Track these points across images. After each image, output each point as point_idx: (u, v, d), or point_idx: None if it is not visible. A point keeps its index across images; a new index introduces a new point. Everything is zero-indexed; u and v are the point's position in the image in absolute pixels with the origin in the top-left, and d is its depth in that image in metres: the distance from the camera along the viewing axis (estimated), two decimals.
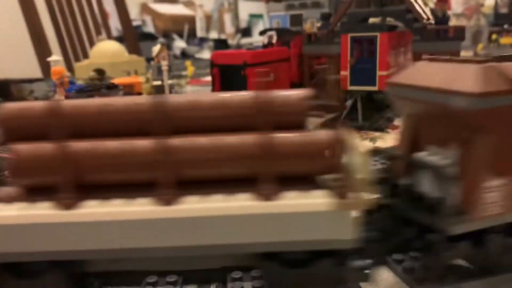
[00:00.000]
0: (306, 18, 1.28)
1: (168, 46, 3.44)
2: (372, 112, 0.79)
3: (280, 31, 0.90)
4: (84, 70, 1.16)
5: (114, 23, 2.97)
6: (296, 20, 1.35)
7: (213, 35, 3.48)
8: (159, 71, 0.83)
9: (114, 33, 3.00)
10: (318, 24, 1.00)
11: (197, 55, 3.38)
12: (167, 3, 3.60)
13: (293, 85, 0.92)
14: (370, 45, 0.76)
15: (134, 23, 3.28)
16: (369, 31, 0.75)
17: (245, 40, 3.73)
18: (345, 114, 0.75)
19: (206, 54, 3.33)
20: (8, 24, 2.37)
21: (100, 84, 0.68)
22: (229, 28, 3.73)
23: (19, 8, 2.13)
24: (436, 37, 0.77)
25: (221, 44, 3.41)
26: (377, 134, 0.69)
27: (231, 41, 3.58)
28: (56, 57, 0.76)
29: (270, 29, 0.91)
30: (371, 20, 0.86)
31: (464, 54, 1.89)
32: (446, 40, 0.76)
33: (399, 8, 0.79)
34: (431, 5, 3.34)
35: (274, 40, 0.87)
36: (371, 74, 0.76)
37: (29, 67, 2.14)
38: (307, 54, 0.88)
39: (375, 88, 0.77)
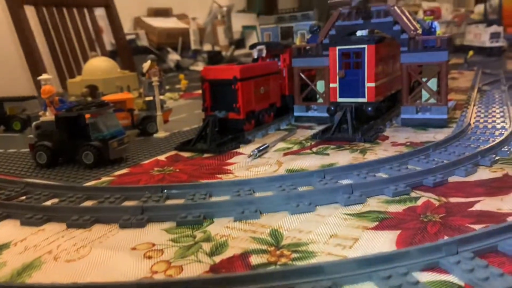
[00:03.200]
0: (296, 30, 1.29)
1: (162, 60, 3.45)
2: (362, 123, 0.80)
3: (269, 45, 0.91)
4: (76, 87, 1.16)
5: (108, 37, 2.98)
6: (287, 32, 1.37)
7: (207, 47, 3.50)
8: (150, 86, 0.84)
9: (108, 47, 3.02)
10: (308, 37, 1.01)
11: (192, 67, 3.40)
12: (160, 17, 3.62)
13: (284, 98, 0.92)
14: (358, 57, 0.77)
15: (128, 37, 3.30)
16: (356, 43, 0.76)
17: (239, 52, 3.76)
18: (335, 126, 0.76)
19: (200, 67, 3.34)
20: (2, 42, 2.38)
21: (90, 102, 0.69)
22: (223, 40, 3.74)
23: (13, 25, 2.14)
24: (423, 48, 0.78)
25: (215, 56, 3.43)
26: (367, 145, 0.69)
27: (225, 53, 3.59)
28: (46, 76, 0.77)
29: (260, 43, 0.91)
30: (359, 32, 0.86)
31: (455, 61, 1.90)
32: (433, 51, 0.77)
33: (386, 20, 0.80)
34: (421, 14, 3.38)
35: (264, 54, 0.88)
36: (359, 86, 0.77)
37: (23, 84, 2.15)
38: (297, 67, 0.89)
39: (364, 100, 0.77)
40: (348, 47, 0.77)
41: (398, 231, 0.40)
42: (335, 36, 0.83)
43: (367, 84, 0.76)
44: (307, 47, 0.88)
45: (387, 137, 0.74)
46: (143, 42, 3.42)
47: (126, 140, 0.69)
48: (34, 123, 0.69)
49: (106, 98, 0.85)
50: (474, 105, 0.90)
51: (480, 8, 3.36)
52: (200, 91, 1.38)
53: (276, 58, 0.92)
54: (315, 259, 0.36)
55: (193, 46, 3.57)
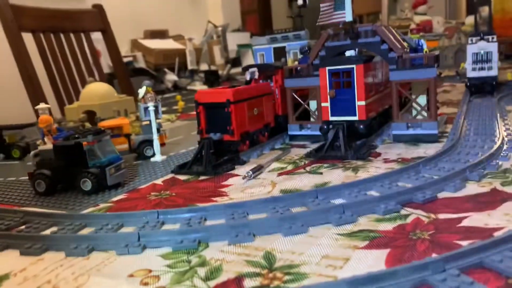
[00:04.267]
0: (289, 50, 1.31)
1: (159, 80, 3.48)
2: (355, 140, 0.81)
3: (261, 67, 0.93)
4: (74, 113, 1.18)
5: (106, 60, 3.02)
6: (280, 52, 1.39)
7: (204, 67, 3.54)
8: (146, 111, 0.85)
9: (106, 70, 3.05)
10: (300, 56, 1.04)
11: (189, 87, 3.43)
12: (157, 39, 3.67)
13: (277, 118, 0.94)
14: (348, 77, 0.78)
15: (126, 60, 3.34)
16: (345, 64, 0.78)
17: (235, 70, 3.79)
18: (328, 144, 0.77)
19: (197, 86, 3.38)
20: (2, 68, 2.40)
21: (87, 129, 0.70)
22: (219, 59, 3.79)
23: (11, 51, 2.16)
24: (411, 66, 0.80)
25: (211, 75, 3.46)
26: (359, 163, 0.71)
27: (221, 72, 3.63)
28: (43, 105, 0.78)
29: (252, 66, 0.93)
30: (348, 52, 0.88)
31: (447, 73, 1.93)
32: (421, 68, 0.79)
33: (374, 40, 0.82)
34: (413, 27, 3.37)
35: (256, 76, 0.90)
36: (350, 104, 0.79)
37: (23, 111, 2.17)
38: (289, 87, 0.91)
39: (356, 118, 0.79)
40: (338, 67, 0.79)
41: (388, 250, 0.41)
42: (325, 57, 0.85)
43: (358, 103, 0.78)
44: (298, 68, 0.89)
45: (379, 154, 0.76)
46: (141, 63, 3.46)
47: (123, 166, 0.70)
48: (32, 152, 0.70)
49: (103, 124, 0.86)
50: (464, 119, 0.92)
51: (471, 19, 3.40)
52: None
53: (268, 79, 0.94)
54: (307, 281, 0.37)
55: (189, 66, 3.61)
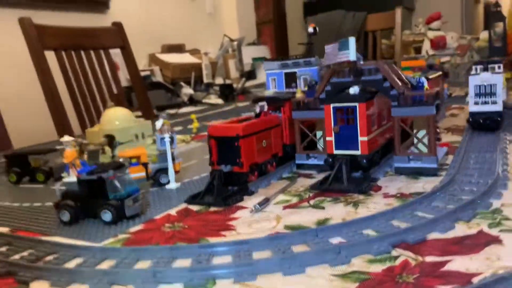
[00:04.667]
0: (299, 75, 1.36)
1: (176, 94, 3.56)
2: (358, 171, 0.86)
3: (270, 100, 0.98)
4: (95, 136, 1.25)
5: (124, 74, 3.12)
6: (291, 77, 1.45)
7: (219, 80, 3.61)
8: (163, 141, 0.91)
9: (124, 83, 3.15)
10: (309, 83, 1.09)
11: (204, 100, 3.50)
12: (174, 53, 3.76)
13: (285, 147, 0.99)
14: (351, 114, 0.83)
15: (143, 73, 3.43)
16: (348, 101, 0.83)
17: (249, 83, 3.86)
18: (332, 176, 0.82)
19: (212, 100, 3.45)
20: (26, 87, 2.50)
21: (108, 164, 0.76)
22: (234, 73, 3.86)
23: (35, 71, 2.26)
24: (412, 103, 0.84)
25: (226, 88, 3.53)
26: (361, 197, 0.75)
27: (236, 85, 3.69)
28: (67, 138, 0.85)
29: (261, 99, 0.99)
30: (352, 89, 0.93)
31: (458, 92, 1.95)
32: (421, 105, 0.84)
33: (376, 77, 0.87)
34: (428, 44, 3.41)
35: (265, 109, 0.95)
36: (353, 139, 0.84)
37: (47, 128, 2.26)
38: (297, 118, 0.96)
39: (358, 152, 0.84)
40: (341, 104, 0.83)
41: None
42: (330, 92, 0.90)
43: (360, 138, 0.83)
44: (306, 101, 0.95)
45: (380, 188, 0.80)
46: (158, 77, 3.54)
47: (140, 197, 0.76)
48: (57, 184, 0.76)
49: (123, 154, 0.92)
50: (465, 151, 0.95)
51: (485, 34, 3.41)
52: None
53: (277, 110, 0.99)
54: None
55: (205, 80, 3.68)
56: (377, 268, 0.51)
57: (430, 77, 1.35)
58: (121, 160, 0.88)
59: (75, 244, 0.65)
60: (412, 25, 4.61)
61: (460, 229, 0.59)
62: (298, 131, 0.97)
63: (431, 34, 3.59)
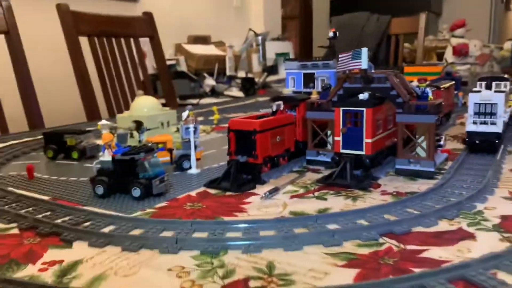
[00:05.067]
0: (317, 77, 1.45)
1: (198, 84, 3.65)
2: (361, 169, 0.94)
3: (287, 99, 1.07)
4: (125, 121, 1.35)
5: (151, 61, 3.24)
6: (309, 78, 1.53)
7: (241, 74, 3.70)
8: (187, 131, 1.01)
9: (150, 70, 3.27)
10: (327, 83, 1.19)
11: (226, 92, 3.60)
12: (199, 44, 3.86)
13: (298, 143, 1.08)
14: (358, 117, 0.92)
15: (169, 62, 3.55)
16: (357, 106, 0.92)
17: (271, 78, 3.94)
18: (337, 173, 0.91)
19: (234, 92, 3.54)
20: (59, 70, 2.63)
21: (140, 147, 0.86)
22: (257, 67, 3.94)
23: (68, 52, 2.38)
24: (415, 111, 0.92)
25: (248, 82, 3.61)
26: (360, 193, 0.84)
27: (258, 79, 3.77)
28: (104, 122, 0.96)
29: (279, 98, 1.07)
30: (361, 95, 1.01)
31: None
32: (423, 113, 0.92)
33: (385, 85, 0.95)
34: (450, 50, 3.42)
35: (281, 108, 1.04)
36: (359, 140, 0.92)
37: (75, 111, 2.39)
38: (310, 118, 1.05)
39: (363, 153, 0.92)
40: (350, 108, 0.92)
41: (359, 270, 0.55)
42: (342, 96, 0.99)
43: (365, 140, 0.91)
44: (319, 103, 1.03)
45: (379, 185, 0.89)
46: (182, 67, 3.65)
47: (166, 179, 0.86)
48: (94, 162, 0.87)
49: (151, 139, 1.03)
50: (464, 159, 1.03)
51: (508, 45, 3.42)
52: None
53: (293, 109, 1.08)
54: (295, 286, 0.51)
55: (228, 72, 3.78)
56: (364, 251, 0.60)
57: (442, 86, 1.42)
58: (150, 144, 1.00)
59: (109, 213, 0.75)
60: (438, 30, 4.62)
61: (442, 226, 0.68)
62: (311, 130, 1.06)
63: (454, 41, 3.62)
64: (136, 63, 2.67)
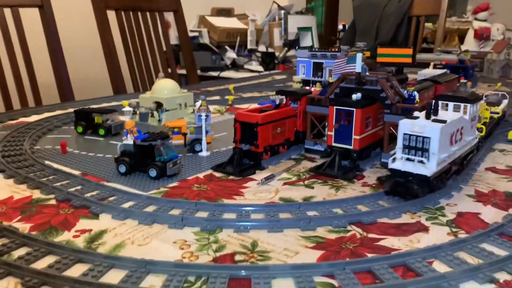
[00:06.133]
0: (325, 67, 1.56)
1: (220, 57, 3.75)
2: (349, 161, 1.07)
3: (289, 93, 1.19)
4: (147, 101, 1.50)
5: (174, 32, 3.35)
6: (318, 67, 1.65)
7: (262, 48, 3.77)
8: (200, 118, 1.15)
9: (174, 41, 3.39)
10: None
11: (246, 66, 3.69)
12: (222, 17, 3.94)
13: (298, 133, 1.21)
14: (349, 116, 1.04)
15: (192, 34, 3.65)
16: (348, 106, 1.03)
17: (291, 53, 4.01)
18: (327, 163, 1.04)
19: (254, 66, 3.64)
20: (88, 41, 2.77)
21: (157, 134, 1.00)
22: (278, 41, 4.01)
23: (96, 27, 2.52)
24: (402, 113, 1.03)
25: (268, 57, 3.69)
26: (345, 183, 0.97)
27: (278, 54, 3.84)
28: (127, 108, 1.10)
29: (282, 92, 1.19)
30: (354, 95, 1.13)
31: (486, 90, 2.07)
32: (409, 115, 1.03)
33: (376, 87, 1.06)
34: (471, 34, 3.43)
35: (284, 101, 1.17)
36: (348, 136, 1.04)
37: (103, 81, 2.54)
38: (310, 112, 1.17)
39: (351, 147, 1.05)
40: (342, 108, 1.04)
41: (323, 251, 0.69)
42: (338, 94, 1.10)
43: (354, 136, 1.03)
44: (318, 98, 1.15)
45: (363, 177, 1.02)
46: (205, 39, 3.74)
47: (178, 162, 1.01)
48: (119, 144, 1.02)
49: (169, 124, 1.17)
50: None
51: None
52: (244, 107, 1.69)
53: (295, 101, 1.20)
54: (270, 262, 0.66)
55: (249, 46, 3.86)
56: (332, 236, 0.74)
57: (442, 81, 1.51)
58: (167, 128, 1.14)
59: (129, 191, 0.90)
60: (466, 10, 4.56)
61: (405, 218, 0.81)
62: (309, 122, 1.18)
63: (476, 24, 3.61)
64: (160, 37, 2.79)
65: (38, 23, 2.26)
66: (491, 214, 0.82)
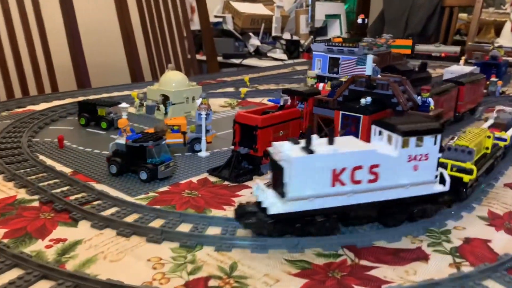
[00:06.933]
0: (341, 62, 1.47)
1: (243, 44, 3.67)
2: None
3: (296, 93, 1.12)
4: (154, 93, 1.46)
5: (197, 18, 3.28)
6: (334, 62, 1.56)
7: (286, 35, 3.67)
8: (200, 117, 1.10)
9: (196, 26, 3.33)
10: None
11: (269, 54, 3.60)
12: (248, 2, 3.84)
13: (302, 134, 1.14)
14: (355, 122, 0.96)
15: (216, 20, 3.58)
16: (355, 112, 0.96)
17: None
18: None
19: (278, 54, 3.55)
20: (106, 26, 2.74)
21: (150, 135, 0.96)
22: (304, 29, 3.89)
23: (115, 10, 2.48)
24: None
25: (292, 45, 3.59)
26: None
27: (303, 42, 3.74)
28: (124, 105, 1.05)
29: (288, 92, 1.12)
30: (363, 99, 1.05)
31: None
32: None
33: (387, 92, 0.98)
34: (509, 24, 3.23)
35: (289, 102, 1.10)
36: None
37: (120, 67, 2.51)
38: (316, 113, 1.10)
39: None
40: (349, 113, 0.96)
41: (307, 280, 0.63)
42: (347, 97, 1.02)
43: None
44: (325, 100, 1.08)
45: None
46: (229, 26, 3.67)
47: (171, 164, 0.96)
48: (111, 144, 0.98)
49: (169, 122, 1.12)
50: None
51: None
52: (256, 101, 1.62)
53: (302, 102, 1.13)
54: None
55: (273, 33, 3.76)
56: (320, 261, 0.67)
57: (466, 82, 1.40)
58: (167, 126, 1.09)
59: (116, 195, 0.86)
60: (505, 1, 4.32)
61: (404, 242, 0.73)
62: (316, 124, 1.11)
63: None
64: (180, 22, 2.74)
65: (56, 5, 2.24)
66: (502, 242, 0.74)
